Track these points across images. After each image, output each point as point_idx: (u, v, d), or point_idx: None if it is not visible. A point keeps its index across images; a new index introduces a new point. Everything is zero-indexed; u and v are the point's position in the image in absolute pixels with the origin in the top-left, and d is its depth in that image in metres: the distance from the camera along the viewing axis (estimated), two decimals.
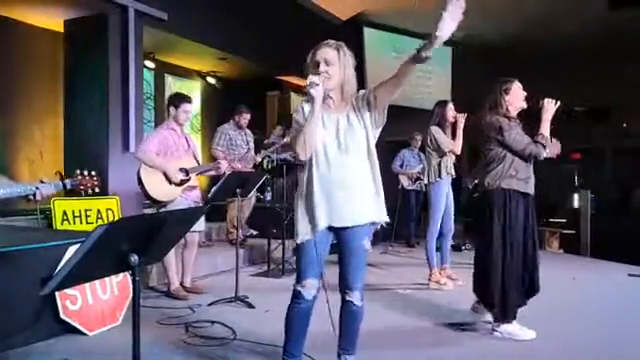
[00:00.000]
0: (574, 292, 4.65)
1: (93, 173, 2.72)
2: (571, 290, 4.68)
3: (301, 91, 8.65)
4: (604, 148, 11.48)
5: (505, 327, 3.41)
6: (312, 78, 2.30)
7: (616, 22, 7.85)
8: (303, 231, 2.40)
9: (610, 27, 8.12)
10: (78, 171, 2.69)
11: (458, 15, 2.06)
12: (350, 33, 8.74)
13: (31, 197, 2.54)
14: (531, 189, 3.42)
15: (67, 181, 2.65)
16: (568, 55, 9.49)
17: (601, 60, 9.64)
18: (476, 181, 3.60)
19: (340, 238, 2.45)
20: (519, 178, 3.37)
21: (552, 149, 3.51)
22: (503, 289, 3.35)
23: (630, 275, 5.68)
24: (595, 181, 10.24)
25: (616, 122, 10.84)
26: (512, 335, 3.39)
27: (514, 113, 3.47)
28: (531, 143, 3.34)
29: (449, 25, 2.06)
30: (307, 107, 2.40)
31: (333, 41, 2.42)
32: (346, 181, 2.35)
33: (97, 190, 2.76)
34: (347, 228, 2.39)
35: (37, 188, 2.51)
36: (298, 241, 2.41)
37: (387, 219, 2.48)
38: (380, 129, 2.47)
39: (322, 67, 2.35)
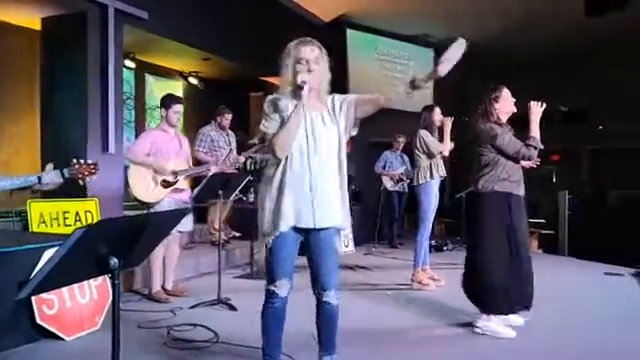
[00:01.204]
0: (552, 291, 4.71)
1: (90, 161, 2.71)
2: (549, 289, 4.73)
3: None
4: (581, 150, 11.70)
5: (486, 324, 3.47)
6: (304, 76, 2.29)
7: (594, 26, 7.98)
8: (269, 231, 2.38)
9: (588, 31, 8.26)
10: (75, 160, 2.66)
11: (459, 56, 2.19)
12: (333, 34, 8.73)
13: (37, 187, 2.54)
14: (522, 191, 3.56)
15: (65, 170, 2.62)
16: (547, 58, 9.65)
17: (579, 63, 9.82)
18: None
19: (309, 240, 2.42)
20: (511, 181, 3.50)
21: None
22: (497, 288, 3.41)
23: (606, 274, 5.80)
24: (572, 182, 10.42)
25: (593, 124, 11.05)
26: (493, 333, 3.45)
27: (505, 119, 3.60)
28: (524, 146, 3.47)
29: (449, 65, 2.20)
30: (284, 103, 2.37)
31: (312, 39, 2.41)
32: (316, 183, 2.33)
33: (94, 178, 2.74)
34: (315, 230, 2.36)
35: (39, 178, 2.50)
36: (266, 242, 2.39)
37: (348, 226, 2.47)
38: (348, 138, 2.47)
39: (312, 66, 2.33)
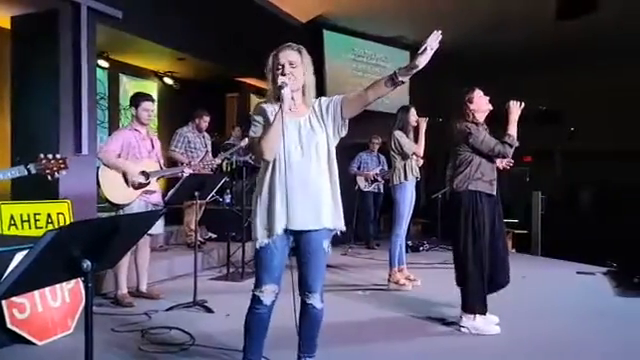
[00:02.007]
0: (526, 289, 4.80)
1: (58, 156, 2.65)
2: (523, 288, 4.82)
3: (261, 93, 8.59)
4: (554, 150, 11.95)
5: (472, 322, 3.53)
6: (283, 78, 2.31)
7: (566, 28, 8.15)
8: (261, 235, 2.37)
9: (560, 33, 8.43)
10: (42, 155, 2.60)
11: (436, 45, 2.21)
12: (310, 35, 8.75)
13: None
14: (495, 191, 3.63)
15: (31, 165, 2.57)
16: (520, 60, 9.81)
17: (551, 65, 10.01)
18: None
19: (299, 241, 2.42)
20: (484, 180, 3.58)
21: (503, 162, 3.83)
22: (471, 283, 3.52)
23: (578, 273, 5.92)
24: (545, 182, 10.64)
25: (565, 125, 11.29)
26: (478, 330, 3.51)
27: (481, 119, 3.68)
28: (498, 143, 3.54)
29: (428, 56, 2.21)
30: (270, 107, 2.40)
31: (294, 44, 2.43)
32: (306, 185, 2.34)
33: (64, 173, 2.69)
34: (305, 232, 2.37)
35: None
36: (257, 246, 2.38)
37: (343, 228, 2.48)
38: (339, 139, 2.49)
39: (287, 69, 2.34)
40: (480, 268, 3.50)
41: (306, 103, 2.44)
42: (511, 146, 3.53)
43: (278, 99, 2.37)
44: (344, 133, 2.47)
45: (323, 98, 2.48)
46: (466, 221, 3.54)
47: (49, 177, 2.63)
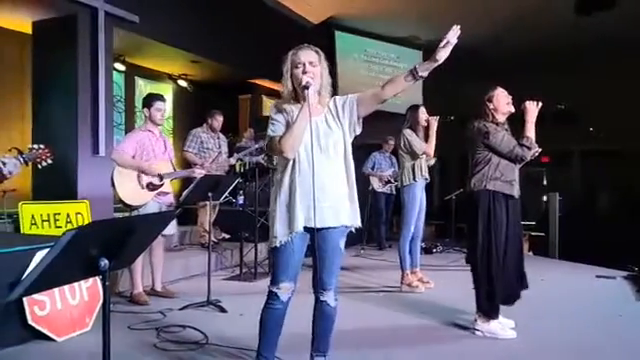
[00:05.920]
0: (544, 293, 4.71)
1: (42, 146, 3.02)
2: (541, 291, 4.74)
3: (272, 94, 8.65)
4: (572, 151, 11.79)
5: (487, 326, 3.49)
6: (307, 78, 2.34)
7: (584, 26, 8.05)
8: (281, 233, 2.40)
9: (578, 31, 8.34)
10: (30, 146, 2.96)
11: (454, 42, 2.24)
12: (322, 36, 8.80)
13: None
14: (516, 192, 3.53)
15: (24, 155, 2.90)
16: (537, 58, 9.72)
17: (570, 64, 9.90)
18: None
19: (316, 239, 2.44)
20: (504, 180, 3.48)
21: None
22: (488, 287, 3.45)
23: (598, 276, 5.75)
24: (563, 183, 10.52)
25: (583, 126, 11.14)
26: (493, 334, 3.47)
27: (502, 118, 3.57)
28: (517, 146, 3.44)
29: (447, 51, 2.25)
30: (290, 107, 2.43)
31: (309, 45, 2.46)
32: (325, 183, 2.36)
33: (50, 161, 3.05)
34: (323, 229, 2.40)
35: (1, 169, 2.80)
36: (276, 244, 2.40)
37: (359, 224, 2.51)
38: (353, 137, 2.52)
39: (308, 68, 2.38)
40: (495, 271, 3.41)
41: (322, 103, 2.47)
42: (529, 149, 3.42)
43: (297, 98, 2.41)
44: (359, 131, 2.50)
45: (337, 97, 2.52)
46: (483, 222, 3.44)
47: (39, 166, 2.96)
